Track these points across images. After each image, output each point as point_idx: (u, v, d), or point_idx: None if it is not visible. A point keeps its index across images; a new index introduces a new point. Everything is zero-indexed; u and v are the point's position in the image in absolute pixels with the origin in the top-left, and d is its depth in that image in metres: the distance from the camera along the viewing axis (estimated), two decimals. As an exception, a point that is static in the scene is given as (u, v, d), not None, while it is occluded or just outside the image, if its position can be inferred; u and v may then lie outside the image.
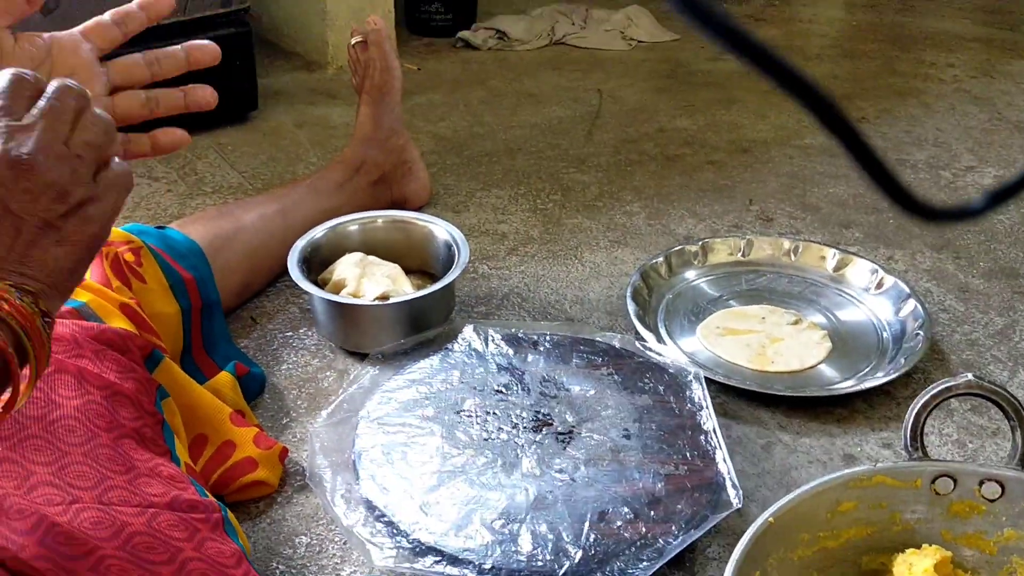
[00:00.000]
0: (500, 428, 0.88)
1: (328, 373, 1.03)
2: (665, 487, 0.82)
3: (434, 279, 1.14)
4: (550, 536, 0.77)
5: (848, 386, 1.00)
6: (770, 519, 0.70)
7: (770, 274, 1.19)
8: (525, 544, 0.76)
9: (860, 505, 0.75)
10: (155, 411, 0.77)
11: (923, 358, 1.03)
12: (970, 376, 0.75)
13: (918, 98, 1.80)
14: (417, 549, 0.76)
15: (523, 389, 0.94)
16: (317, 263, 1.10)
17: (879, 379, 1.00)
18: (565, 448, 0.86)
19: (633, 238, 1.31)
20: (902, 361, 1.02)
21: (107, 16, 0.73)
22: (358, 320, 1.03)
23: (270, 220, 1.14)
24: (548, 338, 1.01)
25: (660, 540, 0.76)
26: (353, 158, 1.27)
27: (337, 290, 1.05)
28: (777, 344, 1.06)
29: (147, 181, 1.42)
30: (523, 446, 0.86)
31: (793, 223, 1.35)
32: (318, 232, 1.11)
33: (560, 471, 0.84)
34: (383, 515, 0.79)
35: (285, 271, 1.15)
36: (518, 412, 0.90)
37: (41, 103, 0.54)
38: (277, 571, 0.79)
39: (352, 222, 1.14)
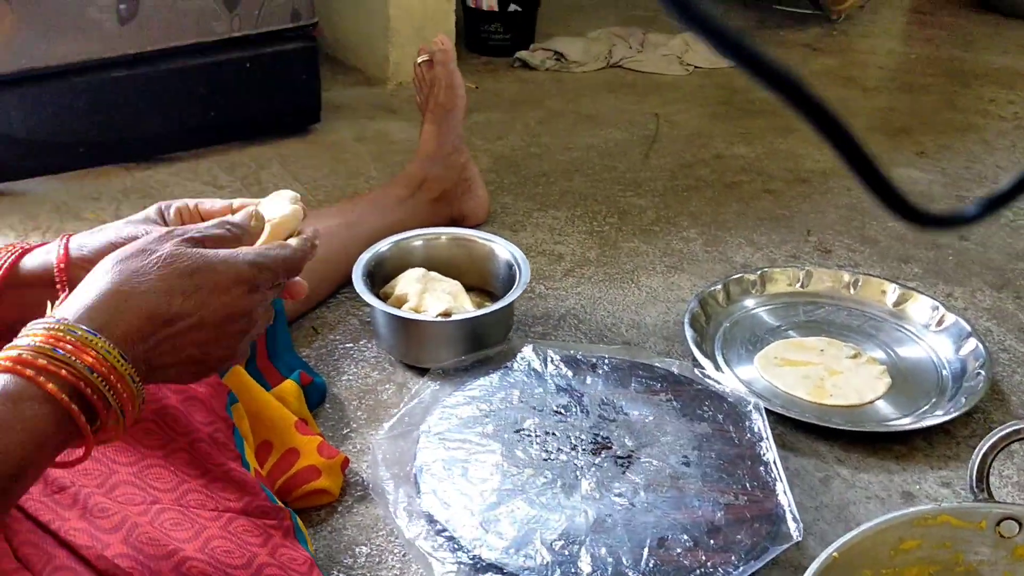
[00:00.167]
0: (559, 449, 0.89)
1: (388, 386, 1.04)
2: (725, 516, 0.82)
3: (492, 297, 1.15)
4: (609, 559, 0.77)
5: (907, 423, 1.00)
6: (834, 554, 0.70)
7: (829, 306, 1.19)
8: (585, 566, 0.76)
9: (924, 544, 0.75)
10: (226, 416, 0.79)
11: (983, 398, 1.02)
12: (1041, 420, 0.74)
13: (978, 134, 1.79)
14: (478, 565, 0.77)
15: (582, 411, 0.94)
16: (380, 277, 1.12)
17: (939, 417, 0.99)
18: (624, 472, 0.87)
19: (690, 264, 1.31)
20: (963, 400, 1.01)
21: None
22: (420, 335, 1.05)
23: (335, 232, 1.16)
24: (607, 361, 1.01)
25: (720, 569, 0.77)
26: (416, 174, 1.29)
27: (399, 304, 1.07)
28: (836, 377, 1.06)
29: (212, 188, 1.45)
30: (582, 468, 0.87)
31: (851, 256, 1.35)
32: (383, 246, 1.13)
33: (619, 495, 0.84)
34: (444, 529, 0.80)
35: (346, 282, 1.17)
36: (577, 434, 0.91)
37: (278, 289, 0.64)
38: (337, 580, 0.80)
39: (416, 237, 1.15)
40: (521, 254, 1.12)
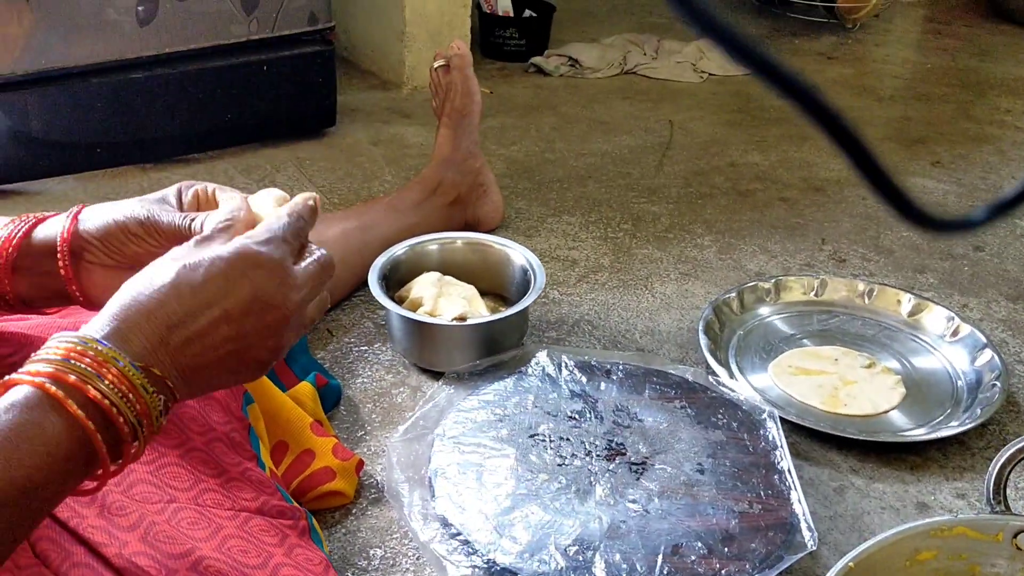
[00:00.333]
0: (574, 454, 0.89)
1: (402, 389, 1.04)
2: (739, 524, 0.82)
3: (507, 302, 1.16)
4: (624, 566, 0.77)
5: (922, 434, 0.99)
6: (850, 564, 0.70)
7: (843, 315, 1.19)
8: (599, 572, 0.76)
9: (939, 555, 0.74)
10: (243, 416, 0.79)
11: (999, 410, 1.02)
12: (1059, 432, 0.74)
13: (994, 145, 1.78)
14: (492, 569, 0.77)
15: (596, 417, 0.94)
16: (396, 280, 1.12)
17: (954, 428, 0.99)
18: (638, 479, 0.87)
19: (704, 271, 1.31)
20: (978, 412, 1.01)
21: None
22: (435, 339, 1.05)
23: (351, 235, 1.16)
24: (621, 367, 1.01)
25: (734, 577, 0.76)
26: (431, 178, 1.30)
27: (414, 308, 1.07)
28: (850, 387, 1.05)
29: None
30: (596, 474, 0.87)
31: (866, 265, 1.34)
32: (398, 250, 1.13)
33: (633, 501, 0.84)
34: (458, 533, 0.80)
35: (361, 285, 1.17)
36: (591, 439, 0.91)
37: (312, 266, 0.60)
38: (351, 582, 0.80)
39: (432, 241, 1.16)
40: (536, 259, 1.12)
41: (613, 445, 0.91)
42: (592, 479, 0.86)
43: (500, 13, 2.10)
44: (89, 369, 0.50)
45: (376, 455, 0.95)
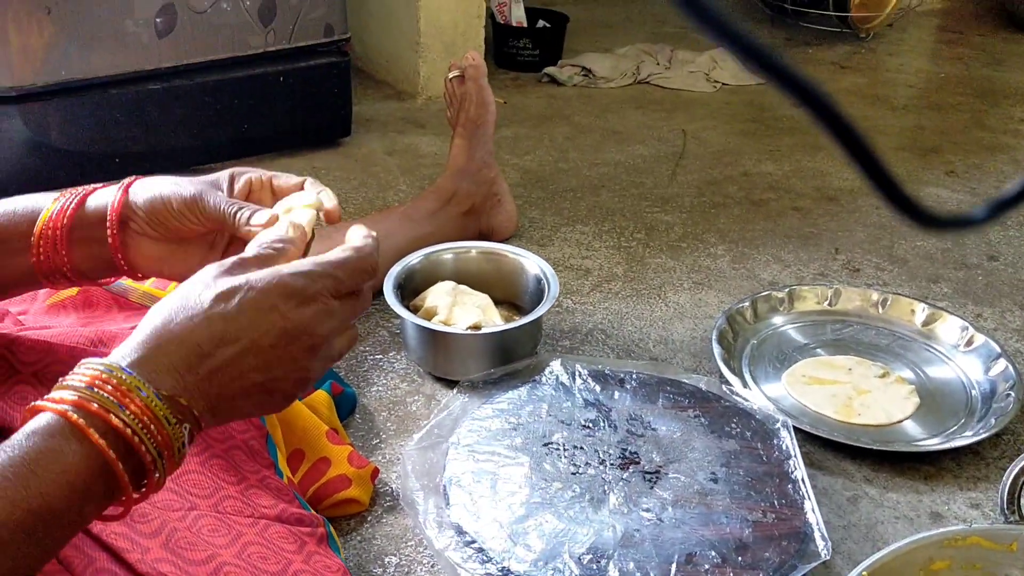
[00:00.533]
0: (588, 463, 0.90)
1: (416, 397, 1.05)
2: (753, 533, 0.82)
3: (520, 311, 1.16)
4: (637, 574, 0.77)
5: (936, 443, 0.99)
6: (864, 573, 0.70)
7: (857, 325, 1.19)
8: (613, 580, 0.77)
9: (954, 565, 0.75)
10: (260, 424, 0.80)
11: (1013, 419, 1.02)
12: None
13: (1008, 154, 1.78)
14: (507, 577, 0.77)
15: (610, 425, 0.95)
16: (410, 289, 1.13)
17: (968, 438, 0.99)
18: (652, 487, 0.87)
19: (717, 281, 1.31)
20: (992, 421, 1.01)
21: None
22: (449, 348, 1.06)
23: (366, 244, 1.17)
24: (634, 376, 1.02)
25: (748, 586, 0.77)
26: (446, 188, 1.31)
27: (429, 317, 1.08)
28: (864, 396, 1.05)
29: (244, 200, 1.47)
30: (610, 482, 0.87)
31: (880, 275, 1.35)
32: (413, 259, 1.14)
33: (647, 510, 0.84)
34: (473, 541, 0.81)
35: (376, 294, 1.18)
36: (605, 448, 0.92)
37: (352, 300, 0.59)
38: (367, 589, 0.81)
39: (447, 251, 1.17)
40: (550, 269, 1.13)
41: (627, 454, 0.91)
42: (606, 488, 0.87)
43: (514, 23, 2.12)
44: (111, 398, 0.49)
45: (391, 463, 0.95)
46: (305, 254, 0.62)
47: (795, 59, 2.32)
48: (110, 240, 0.65)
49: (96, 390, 0.50)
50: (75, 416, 0.49)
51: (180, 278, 0.61)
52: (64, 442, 0.48)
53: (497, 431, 0.94)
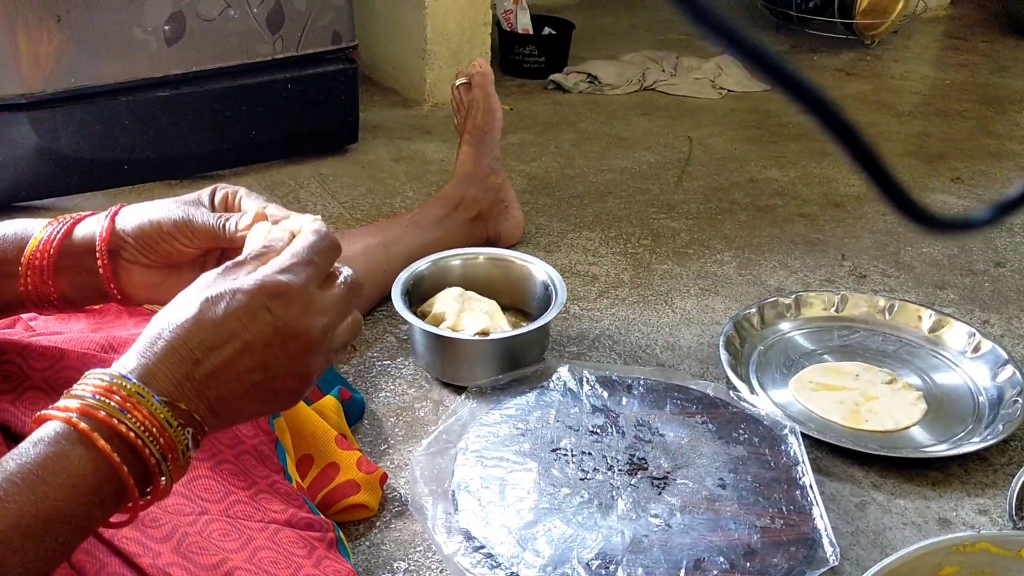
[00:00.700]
0: (596, 468, 0.90)
1: (424, 403, 1.06)
2: (761, 539, 0.82)
3: (528, 317, 1.17)
4: (646, 580, 0.77)
5: (943, 449, 0.99)
6: (873, 579, 0.70)
7: (864, 331, 1.19)
8: (621, 586, 0.77)
9: (962, 571, 0.75)
10: (269, 429, 0.81)
11: (1021, 426, 1.02)
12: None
13: (1014, 161, 1.78)
14: (515, 583, 0.78)
15: (617, 431, 0.95)
16: (418, 295, 1.13)
17: (975, 444, 0.99)
18: (660, 493, 0.87)
19: (724, 287, 1.32)
20: (1000, 428, 1.01)
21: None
22: (457, 353, 1.06)
23: (374, 251, 1.18)
24: (642, 382, 1.02)
25: (756, 592, 0.77)
26: (453, 195, 1.31)
27: (437, 323, 1.08)
28: (871, 403, 1.06)
29: (252, 206, 1.48)
30: (618, 488, 0.88)
31: (886, 281, 1.35)
32: (421, 265, 1.14)
33: (655, 516, 0.85)
34: (482, 546, 0.81)
35: (384, 300, 1.19)
36: (613, 454, 0.92)
37: (338, 289, 0.59)
38: (376, 594, 0.81)
39: (454, 257, 1.17)
40: (558, 275, 1.13)
41: (635, 460, 0.91)
42: (614, 493, 0.87)
43: (520, 31, 2.12)
44: (116, 406, 0.50)
45: (399, 468, 0.96)
46: None
47: (800, 66, 2.32)
48: (101, 271, 0.65)
49: (102, 398, 0.50)
50: (81, 423, 0.49)
51: None
52: (70, 448, 0.49)
53: (505, 437, 0.94)
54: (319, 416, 0.91)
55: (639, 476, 0.89)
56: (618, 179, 1.65)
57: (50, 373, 0.70)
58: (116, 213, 0.67)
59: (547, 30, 2.17)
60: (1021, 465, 0.86)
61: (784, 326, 1.19)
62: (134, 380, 0.52)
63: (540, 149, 1.76)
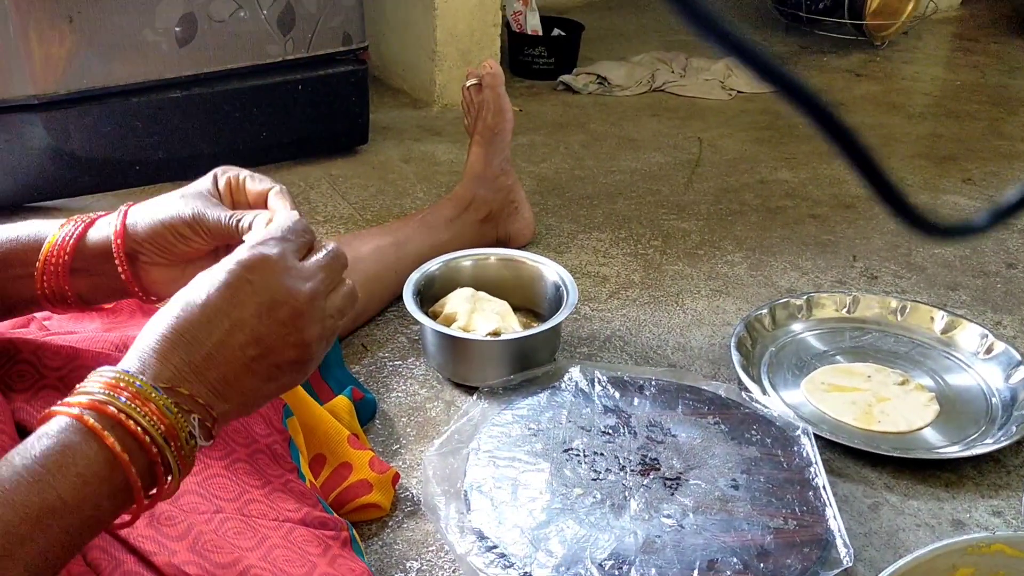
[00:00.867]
0: (608, 469, 0.90)
1: (436, 403, 1.06)
2: (774, 540, 0.82)
3: (539, 317, 1.17)
4: (659, 580, 0.77)
5: (956, 451, 0.99)
6: (888, 580, 0.70)
7: (876, 332, 1.19)
8: (635, 586, 0.77)
9: (977, 572, 0.74)
10: (283, 428, 0.81)
11: (1034, 427, 1.02)
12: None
13: (1025, 162, 1.78)
14: (528, 583, 0.77)
15: (629, 432, 0.95)
16: (430, 296, 1.13)
17: (989, 446, 0.99)
18: (673, 494, 0.87)
19: (735, 288, 1.31)
20: (1013, 429, 1.00)
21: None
22: (468, 354, 1.06)
23: (385, 252, 1.18)
24: (653, 383, 1.02)
25: (770, 593, 0.77)
26: (463, 195, 1.31)
27: (448, 323, 1.08)
28: (884, 404, 1.05)
29: (263, 207, 1.48)
30: (631, 488, 0.88)
31: (898, 282, 1.34)
32: (432, 265, 1.14)
33: (668, 516, 0.84)
34: (495, 546, 0.81)
35: (395, 301, 1.19)
36: (625, 455, 0.92)
37: (320, 256, 0.60)
38: (388, 594, 0.81)
39: (465, 258, 1.17)
40: (569, 276, 1.13)
41: (647, 460, 0.91)
42: (627, 494, 0.87)
43: (529, 32, 2.12)
44: (126, 400, 0.51)
45: (411, 468, 0.96)
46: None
47: (810, 67, 2.32)
48: (123, 276, 0.66)
49: (110, 393, 0.51)
50: (87, 417, 0.50)
51: None
52: (76, 440, 0.49)
53: (517, 437, 0.94)
54: (332, 416, 0.91)
55: (651, 477, 0.89)
56: (628, 180, 1.65)
57: (64, 372, 0.70)
58: (125, 215, 0.67)
59: (556, 31, 2.17)
60: (1035, 467, 0.86)
61: (796, 327, 1.19)
62: (138, 374, 0.52)
63: (550, 150, 1.76)
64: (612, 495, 0.87)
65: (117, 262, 0.66)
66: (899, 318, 1.20)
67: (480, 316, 1.09)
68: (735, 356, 1.09)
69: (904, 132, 1.93)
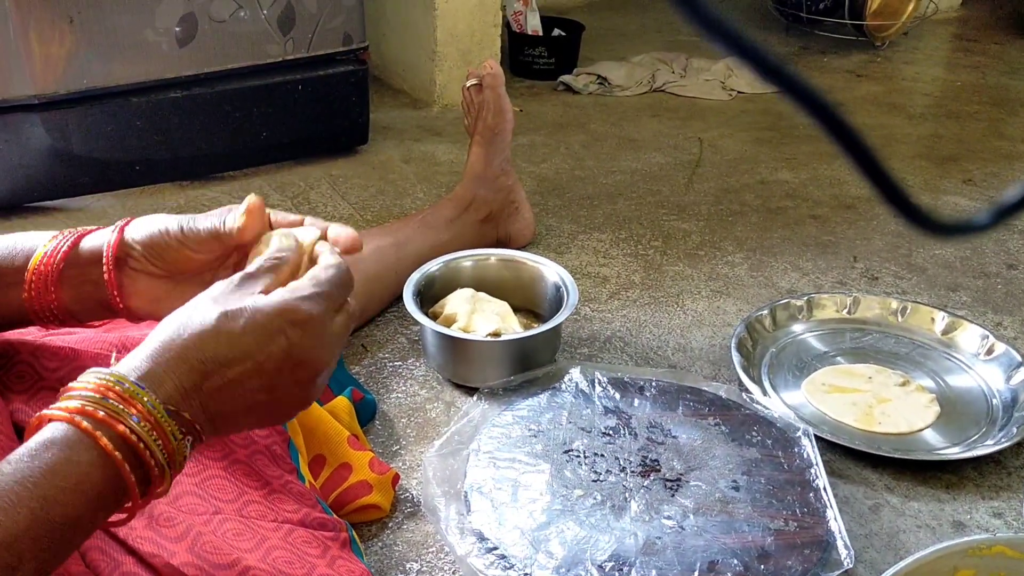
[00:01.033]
0: (608, 470, 0.90)
1: (436, 404, 1.05)
2: (775, 542, 0.82)
3: (539, 318, 1.17)
4: (659, 582, 0.77)
5: (957, 452, 0.99)
6: (888, 582, 0.69)
7: (876, 333, 1.18)
8: (635, 588, 0.77)
9: (977, 574, 0.74)
10: (282, 429, 0.81)
11: (1035, 429, 1.01)
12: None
13: (1026, 162, 1.78)
14: (528, 584, 0.77)
15: (630, 433, 0.95)
16: (430, 296, 1.13)
17: (989, 447, 0.98)
18: (673, 495, 0.87)
19: (735, 289, 1.31)
20: (1014, 431, 1.00)
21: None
22: (469, 355, 1.06)
23: (385, 252, 1.18)
24: (654, 384, 1.02)
25: (770, 594, 0.77)
26: (464, 196, 1.31)
27: (448, 324, 1.08)
28: (884, 405, 1.05)
29: (263, 207, 1.48)
30: (631, 490, 0.87)
31: (899, 283, 1.34)
32: (433, 266, 1.14)
33: (669, 518, 0.84)
34: (495, 547, 0.81)
35: (395, 301, 1.19)
36: (626, 456, 0.92)
37: (343, 318, 0.60)
38: (388, 595, 0.81)
39: (466, 258, 1.17)
40: (569, 277, 1.13)
41: (647, 461, 0.91)
42: (627, 495, 0.87)
43: (529, 32, 2.12)
44: (119, 405, 0.51)
45: (411, 469, 0.95)
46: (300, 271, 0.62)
47: (810, 67, 2.31)
48: (106, 276, 0.65)
49: (103, 398, 0.51)
50: (84, 424, 0.50)
51: None
52: (77, 452, 0.49)
53: (517, 438, 0.94)
54: (331, 417, 0.91)
55: (652, 478, 0.89)
56: (628, 180, 1.65)
57: (63, 373, 0.70)
58: (124, 226, 0.67)
59: (557, 31, 2.17)
60: (1036, 468, 0.86)
61: (796, 328, 1.19)
62: (137, 382, 0.52)
63: (550, 150, 1.76)
64: (612, 496, 0.87)
65: (104, 262, 0.64)
66: (900, 319, 1.20)
67: (480, 317, 1.09)
68: (735, 357, 1.09)
69: (905, 133, 1.93)
